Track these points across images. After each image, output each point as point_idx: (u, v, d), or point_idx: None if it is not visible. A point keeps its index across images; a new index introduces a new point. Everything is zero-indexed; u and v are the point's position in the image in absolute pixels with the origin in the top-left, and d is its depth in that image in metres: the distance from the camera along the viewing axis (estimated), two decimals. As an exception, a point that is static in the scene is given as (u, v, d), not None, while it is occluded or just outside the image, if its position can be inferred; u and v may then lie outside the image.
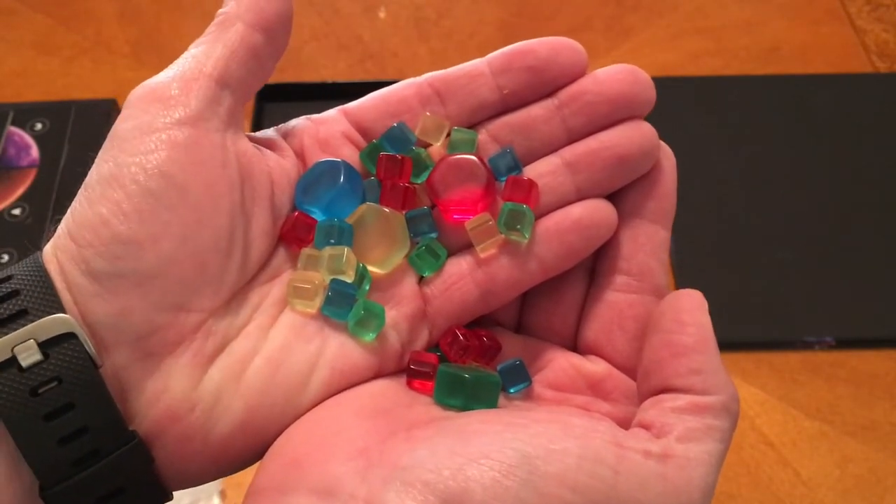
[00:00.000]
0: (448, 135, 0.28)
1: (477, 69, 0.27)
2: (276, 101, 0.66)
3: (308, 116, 0.28)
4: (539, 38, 0.27)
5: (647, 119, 0.27)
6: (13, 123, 0.62)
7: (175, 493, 0.52)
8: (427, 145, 0.28)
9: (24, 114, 0.63)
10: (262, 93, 0.66)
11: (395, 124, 0.27)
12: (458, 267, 0.27)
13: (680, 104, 0.67)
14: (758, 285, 0.58)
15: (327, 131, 0.28)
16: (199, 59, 0.25)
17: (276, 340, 0.25)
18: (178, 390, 0.24)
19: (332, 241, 0.26)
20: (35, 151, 0.61)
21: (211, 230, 0.24)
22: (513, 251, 0.27)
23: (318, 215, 0.27)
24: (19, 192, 0.58)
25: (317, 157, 0.27)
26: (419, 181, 0.28)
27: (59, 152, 0.60)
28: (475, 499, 0.20)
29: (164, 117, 0.24)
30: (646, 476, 0.21)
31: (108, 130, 0.24)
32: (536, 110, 0.27)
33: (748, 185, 0.63)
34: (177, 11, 0.77)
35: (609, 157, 0.26)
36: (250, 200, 0.25)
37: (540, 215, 0.27)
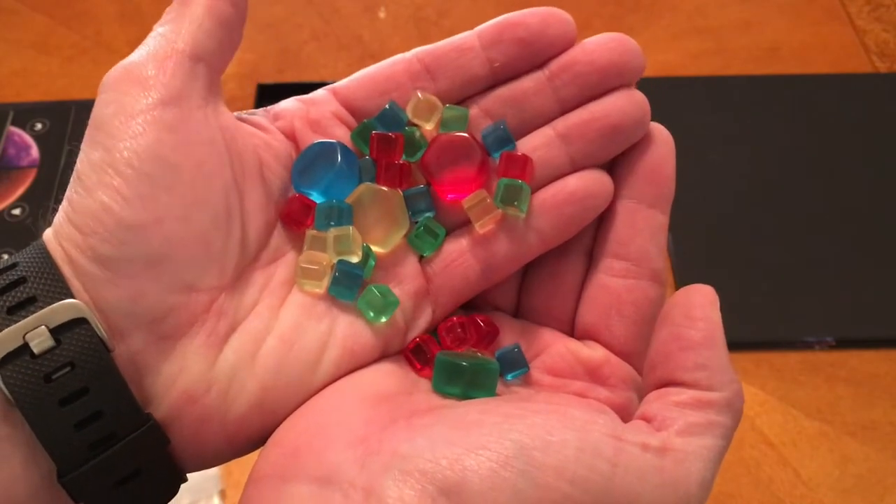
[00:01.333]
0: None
1: (466, 43, 0.27)
2: (277, 100, 0.66)
3: (297, 98, 0.28)
4: (529, 8, 0.27)
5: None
6: (13, 123, 0.62)
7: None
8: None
9: (24, 114, 0.63)
10: (263, 92, 0.66)
11: (387, 105, 0.27)
12: (458, 245, 0.27)
13: (680, 104, 0.67)
14: (758, 285, 0.58)
15: (318, 112, 0.28)
16: (168, 36, 0.25)
17: (288, 320, 0.25)
18: (193, 371, 0.24)
19: (333, 222, 0.26)
20: (35, 151, 0.61)
21: (209, 208, 0.24)
22: (511, 226, 0.27)
23: (316, 197, 0.27)
24: (19, 191, 0.58)
25: (308, 138, 0.27)
26: (413, 160, 0.28)
27: (59, 152, 0.60)
28: (472, 489, 0.20)
29: (144, 98, 0.24)
30: (643, 469, 0.21)
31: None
32: (527, 83, 0.27)
33: (748, 184, 0.63)
34: (177, 11, 0.77)
35: (601, 126, 0.26)
36: (241, 176, 0.25)
37: (536, 188, 0.27)
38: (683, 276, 0.58)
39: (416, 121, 0.28)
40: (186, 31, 0.25)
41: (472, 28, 0.28)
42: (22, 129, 0.62)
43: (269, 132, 0.27)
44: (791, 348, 0.55)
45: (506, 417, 0.22)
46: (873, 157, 0.64)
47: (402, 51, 0.28)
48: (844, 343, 0.55)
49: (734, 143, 0.65)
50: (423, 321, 0.27)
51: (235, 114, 0.27)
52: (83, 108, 0.63)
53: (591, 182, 0.27)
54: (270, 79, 0.71)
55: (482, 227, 0.27)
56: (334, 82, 0.29)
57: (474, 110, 0.28)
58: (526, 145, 0.27)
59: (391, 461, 0.21)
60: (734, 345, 0.55)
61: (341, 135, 0.27)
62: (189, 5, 0.25)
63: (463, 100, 0.28)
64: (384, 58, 0.28)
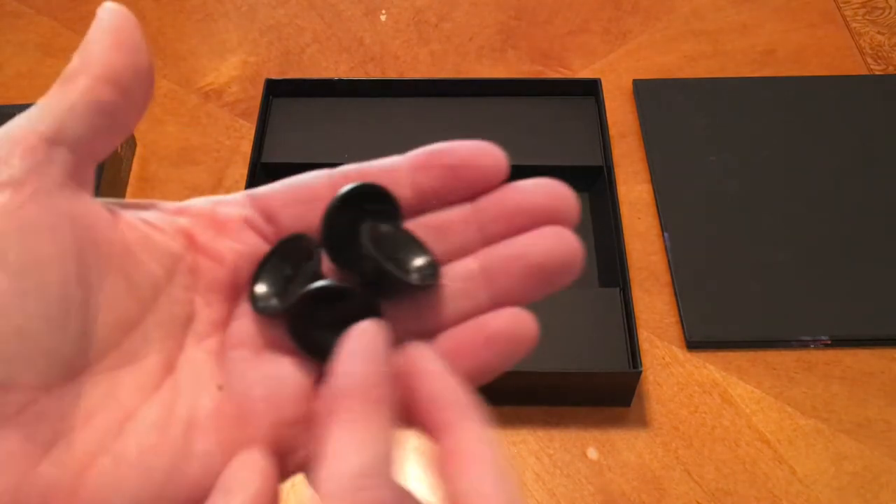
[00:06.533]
0: None
1: (395, 164, 0.26)
2: (284, 96, 0.67)
3: (211, 198, 0.27)
4: (463, 140, 0.26)
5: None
6: (18, 125, 0.63)
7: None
8: None
9: (29, 115, 0.63)
10: (270, 87, 0.66)
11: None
12: None
13: (677, 106, 0.68)
14: (754, 284, 0.58)
15: (226, 214, 0.26)
16: (33, 117, 0.23)
17: (133, 440, 0.22)
18: None
19: None
20: (40, 153, 0.61)
21: (37, 298, 0.21)
22: None
23: None
24: (24, 192, 0.59)
25: (210, 240, 0.26)
26: None
27: (63, 153, 0.61)
28: None
29: None
30: None
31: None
32: (453, 213, 0.26)
33: (744, 185, 0.64)
34: (180, 15, 0.78)
35: (525, 265, 0.25)
36: (91, 267, 0.23)
37: (449, 323, 0.25)
38: (681, 275, 0.59)
39: None
40: (54, 113, 0.23)
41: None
42: (27, 131, 0.62)
43: (156, 227, 0.25)
44: (787, 347, 0.56)
45: None
46: (868, 158, 0.65)
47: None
48: (839, 342, 0.56)
49: (730, 144, 0.66)
50: None
51: (125, 202, 0.25)
52: (87, 110, 0.64)
53: (514, 323, 0.24)
54: (277, 74, 0.72)
55: None
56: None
57: None
58: (446, 276, 0.25)
59: None
60: (731, 343, 0.56)
61: (250, 241, 0.26)
62: (67, 85, 0.23)
63: None
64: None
